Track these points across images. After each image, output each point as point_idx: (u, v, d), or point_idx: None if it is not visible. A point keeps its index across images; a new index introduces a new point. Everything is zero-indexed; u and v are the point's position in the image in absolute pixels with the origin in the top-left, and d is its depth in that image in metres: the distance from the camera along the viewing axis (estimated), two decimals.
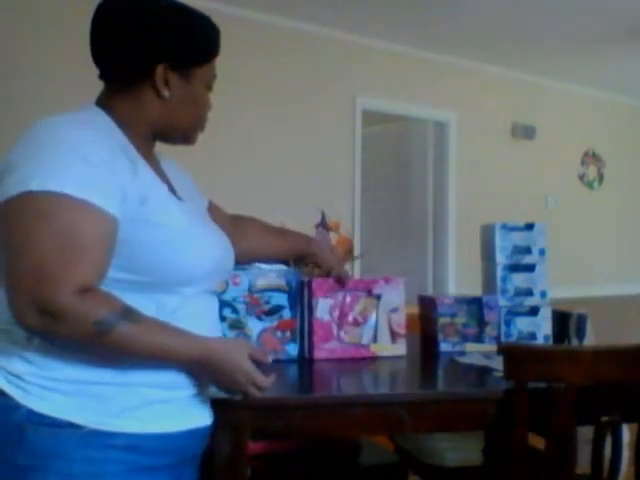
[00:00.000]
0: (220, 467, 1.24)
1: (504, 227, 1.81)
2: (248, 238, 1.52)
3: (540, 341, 1.78)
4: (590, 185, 6.14)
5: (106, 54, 1.15)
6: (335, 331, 1.69)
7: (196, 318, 1.12)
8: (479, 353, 1.76)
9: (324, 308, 1.68)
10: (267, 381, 1.14)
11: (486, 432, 1.86)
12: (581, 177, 6.09)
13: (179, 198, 1.19)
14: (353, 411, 1.32)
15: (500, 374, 1.39)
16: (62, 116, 1.08)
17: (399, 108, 4.98)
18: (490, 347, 1.78)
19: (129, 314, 0.99)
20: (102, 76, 1.18)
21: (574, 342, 1.79)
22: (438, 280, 5.19)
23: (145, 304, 1.04)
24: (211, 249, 1.16)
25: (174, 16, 1.13)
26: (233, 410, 1.21)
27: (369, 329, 1.72)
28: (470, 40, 4.75)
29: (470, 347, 1.80)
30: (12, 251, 0.95)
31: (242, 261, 1.50)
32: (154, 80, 1.12)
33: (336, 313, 1.70)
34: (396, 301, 1.74)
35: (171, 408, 1.08)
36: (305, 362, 1.67)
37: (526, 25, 4.44)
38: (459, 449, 2.03)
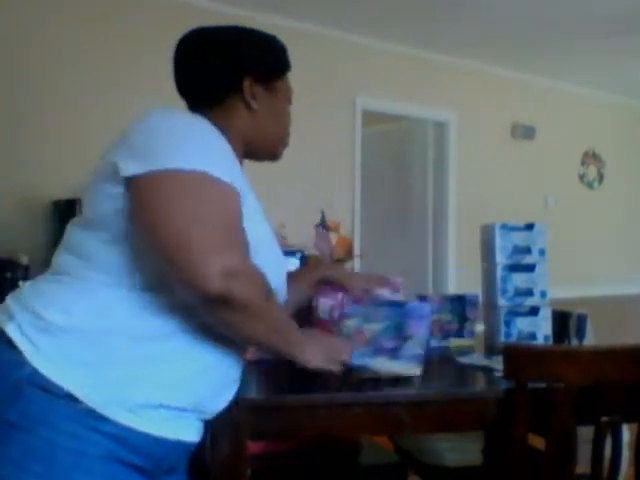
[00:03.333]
0: (220, 467, 1.24)
1: (504, 227, 1.81)
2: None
3: (540, 341, 1.78)
4: (590, 185, 6.15)
5: (196, 79, 1.25)
6: (336, 331, 1.69)
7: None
8: (479, 353, 1.76)
9: (324, 309, 1.68)
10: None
11: (486, 432, 1.86)
12: (581, 177, 6.10)
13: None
14: (353, 411, 1.32)
15: (500, 374, 1.39)
16: (180, 111, 1.18)
17: (399, 108, 4.98)
18: (470, 341, 1.85)
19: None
20: (193, 106, 1.26)
21: (574, 342, 1.79)
22: (438, 280, 5.19)
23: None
24: (278, 269, 1.23)
25: (249, 36, 1.27)
26: (233, 410, 1.21)
27: None
28: (470, 40, 4.75)
29: (453, 342, 1.84)
30: (179, 222, 1.00)
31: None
32: (243, 93, 1.23)
33: (336, 313, 1.70)
34: None
35: (168, 414, 1.08)
36: None
37: (526, 25, 4.44)
38: (459, 449, 2.03)
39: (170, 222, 1.00)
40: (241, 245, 1.06)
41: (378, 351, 1.62)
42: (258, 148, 1.30)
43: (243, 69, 1.23)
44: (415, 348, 1.35)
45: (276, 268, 1.20)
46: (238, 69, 1.23)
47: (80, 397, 1.00)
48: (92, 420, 1.00)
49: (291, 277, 1.47)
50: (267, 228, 1.21)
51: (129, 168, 1.02)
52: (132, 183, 1.03)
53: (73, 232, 1.14)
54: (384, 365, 1.34)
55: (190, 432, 1.13)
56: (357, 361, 1.31)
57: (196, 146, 1.07)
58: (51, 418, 0.99)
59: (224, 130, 1.18)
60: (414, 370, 1.35)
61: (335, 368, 1.27)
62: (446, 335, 1.85)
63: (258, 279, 1.07)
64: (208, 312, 1.04)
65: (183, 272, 0.99)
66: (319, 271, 1.62)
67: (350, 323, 1.36)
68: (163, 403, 1.06)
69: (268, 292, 1.09)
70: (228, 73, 1.23)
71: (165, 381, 1.06)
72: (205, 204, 1.02)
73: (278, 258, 1.24)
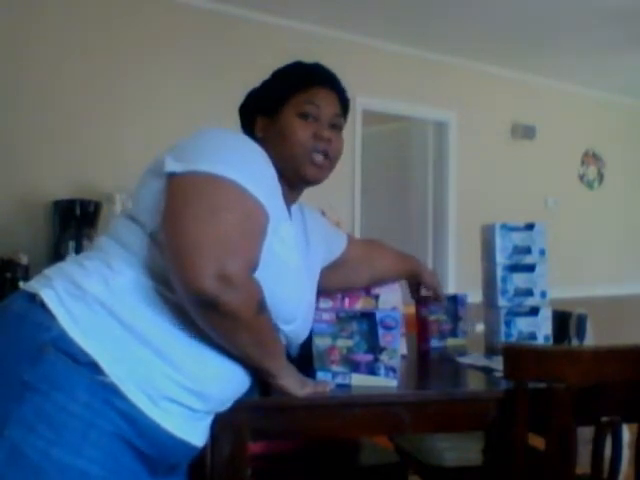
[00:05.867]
0: (220, 467, 1.24)
1: (504, 227, 1.81)
2: (380, 262, 1.73)
3: (540, 341, 1.78)
4: (590, 185, 6.14)
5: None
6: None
7: None
8: (479, 353, 1.76)
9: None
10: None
11: (486, 432, 1.87)
12: (581, 177, 6.09)
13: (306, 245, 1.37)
14: (353, 411, 1.33)
15: (500, 374, 1.39)
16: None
17: (399, 108, 4.98)
18: (463, 341, 1.89)
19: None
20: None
21: (574, 342, 1.79)
22: None
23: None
24: (300, 297, 1.27)
25: (271, 76, 1.42)
26: (233, 410, 1.21)
27: None
28: (470, 40, 4.75)
29: (450, 342, 1.87)
30: (192, 219, 1.02)
31: (370, 284, 1.69)
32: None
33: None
34: (394, 300, 1.74)
35: (184, 413, 1.09)
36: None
37: (526, 25, 4.44)
38: (459, 449, 2.03)
39: (183, 219, 1.02)
40: (249, 256, 1.05)
41: (444, 334, 1.83)
42: (285, 174, 1.29)
43: (254, 111, 1.37)
44: (389, 360, 1.34)
45: (297, 296, 1.25)
46: (252, 112, 1.38)
47: (104, 368, 1.01)
48: (108, 394, 1.00)
49: (389, 255, 1.77)
50: (297, 259, 1.25)
51: (170, 165, 1.08)
52: (169, 180, 1.08)
53: (118, 220, 1.18)
54: (362, 382, 1.35)
55: (200, 436, 1.14)
56: (338, 380, 1.36)
57: (235, 158, 1.11)
58: (68, 385, 0.99)
59: None
60: (392, 383, 1.35)
61: (322, 390, 1.31)
62: (443, 335, 1.87)
63: (253, 291, 1.06)
64: (196, 313, 1.04)
65: (180, 267, 1.00)
66: (409, 263, 1.79)
67: (320, 342, 1.36)
68: (184, 402, 1.07)
69: (261, 307, 1.08)
70: (247, 118, 1.40)
71: (189, 381, 1.07)
72: (224, 210, 1.04)
73: (301, 289, 1.27)
